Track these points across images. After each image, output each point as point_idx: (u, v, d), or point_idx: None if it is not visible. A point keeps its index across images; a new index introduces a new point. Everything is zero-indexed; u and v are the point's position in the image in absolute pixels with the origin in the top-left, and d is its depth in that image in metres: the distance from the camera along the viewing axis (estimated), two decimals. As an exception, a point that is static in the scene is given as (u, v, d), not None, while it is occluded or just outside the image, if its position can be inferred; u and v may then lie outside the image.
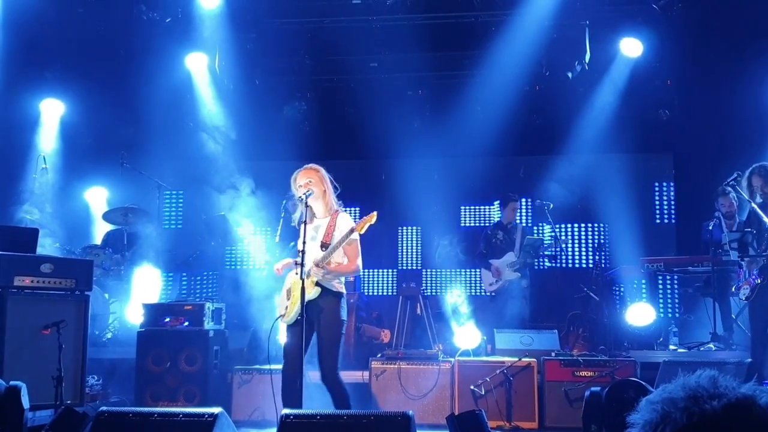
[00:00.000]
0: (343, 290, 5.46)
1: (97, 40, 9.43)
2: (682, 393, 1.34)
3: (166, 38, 9.50)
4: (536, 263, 9.84)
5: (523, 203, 10.84)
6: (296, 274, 5.07)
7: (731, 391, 1.33)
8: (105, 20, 9.29)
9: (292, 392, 5.11)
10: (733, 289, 7.09)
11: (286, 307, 5.36)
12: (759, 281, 6.51)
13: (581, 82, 9.97)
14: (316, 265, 5.26)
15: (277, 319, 5.36)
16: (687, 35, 9.33)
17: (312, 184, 5.36)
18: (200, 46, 9.85)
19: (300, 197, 5.25)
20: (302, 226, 5.15)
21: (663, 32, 9.39)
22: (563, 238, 9.48)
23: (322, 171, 5.50)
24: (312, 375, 5.46)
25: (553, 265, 10.05)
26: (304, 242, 5.02)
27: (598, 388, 5.07)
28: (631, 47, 9.62)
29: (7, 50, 8.90)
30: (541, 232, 10.45)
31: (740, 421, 1.29)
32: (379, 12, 9.59)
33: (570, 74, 9.83)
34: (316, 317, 5.24)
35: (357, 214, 11.07)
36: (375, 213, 5.43)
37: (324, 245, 5.33)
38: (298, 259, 5.09)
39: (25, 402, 4.67)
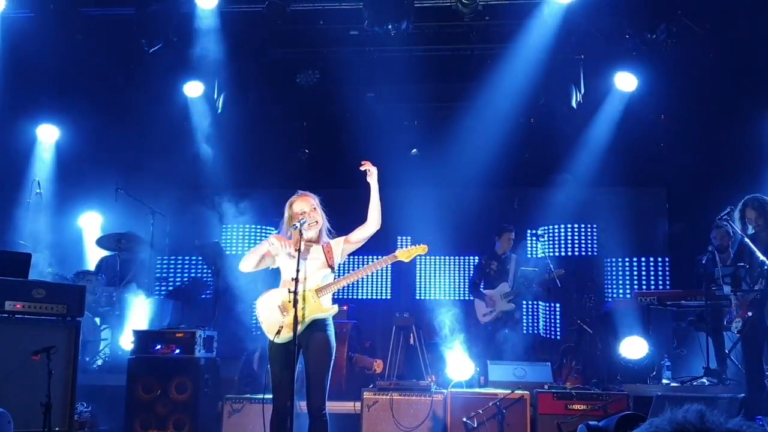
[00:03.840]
0: (336, 310, 5.40)
1: (93, 66, 9.48)
2: (668, 427, 1.33)
3: (164, 66, 9.55)
4: (529, 297, 9.84)
5: (519, 234, 10.86)
6: (290, 301, 4.98)
7: (718, 426, 1.32)
8: (102, 47, 9.34)
9: (282, 424, 5.05)
10: (725, 323, 7.07)
11: (281, 324, 5.14)
12: (750, 314, 6.50)
13: (576, 114, 10.03)
14: (318, 289, 5.22)
15: (271, 343, 5.20)
16: (681, 70, 9.41)
17: (314, 212, 5.36)
18: (197, 74, 9.89)
19: (295, 224, 5.21)
20: (297, 254, 5.09)
21: (657, 67, 9.46)
22: (559, 270, 9.45)
23: (317, 200, 5.49)
24: (302, 405, 5.38)
25: (547, 297, 10.02)
26: (297, 270, 4.97)
27: (595, 423, 5.01)
28: (626, 81, 9.69)
29: (4, 75, 8.94)
30: (535, 264, 10.43)
31: None
32: (377, 43, 9.66)
33: (573, 103, 9.88)
34: (306, 344, 5.16)
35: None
36: (426, 246, 5.49)
37: (330, 267, 5.32)
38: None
39: (6, 429, 4.61)
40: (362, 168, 5.50)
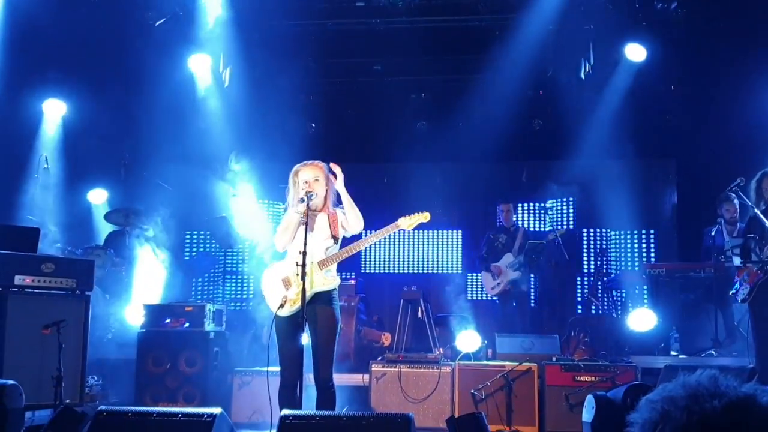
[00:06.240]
0: (338, 282, 5.37)
1: (100, 40, 9.43)
2: (682, 392, 1.32)
3: (169, 39, 9.51)
4: (538, 267, 9.83)
5: (527, 207, 10.86)
6: (297, 274, 4.98)
7: (732, 390, 1.31)
8: (108, 21, 9.29)
9: (291, 395, 5.07)
10: (731, 293, 7.05)
11: (284, 297, 5.17)
12: (762, 278, 6.47)
13: (585, 86, 9.96)
14: (321, 262, 5.21)
15: (275, 317, 5.21)
16: (691, 41, 9.32)
17: (317, 184, 5.31)
18: (203, 48, 9.85)
19: (302, 198, 5.18)
20: (300, 227, 5.08)
21: (667, 37, 9.37)
22: (561, 230, 9.40)
23: (326, 169, 5.43)
24: (310, 377, 5.39)
25: (556, 269, 10.01)
26: (305, 243, 4.96)
27: (603, 393, 5.02)
28: (635, 52, 9.60)
29: (10, 50, 8.91)
30: (543, 236, 10.41)
31: (741, 420, 1.28)
32: (383, 15, 9.58)
33: (582, 74, 9.80)
34: (312, 317, 5.17)
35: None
36: (428, 213, 5.39)
37: (334, 238, 5.31)
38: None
39: (15, 402, 4.64)
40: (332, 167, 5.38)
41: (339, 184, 5.31)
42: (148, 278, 8.91)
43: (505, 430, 6.98)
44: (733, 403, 1.30)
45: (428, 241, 11.22)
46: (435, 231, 11.09)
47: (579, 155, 9.85)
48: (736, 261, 6.93)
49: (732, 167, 7.89)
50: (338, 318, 5.24)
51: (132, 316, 8.31)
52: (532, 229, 10.64)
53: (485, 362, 7.58)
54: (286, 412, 4.25)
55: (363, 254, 10.83)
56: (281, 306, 5.12)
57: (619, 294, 9.34)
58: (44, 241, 7.67)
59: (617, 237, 10.64)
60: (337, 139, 10.52)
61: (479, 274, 9.99)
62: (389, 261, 11.20)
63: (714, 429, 1.28)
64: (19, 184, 9.42)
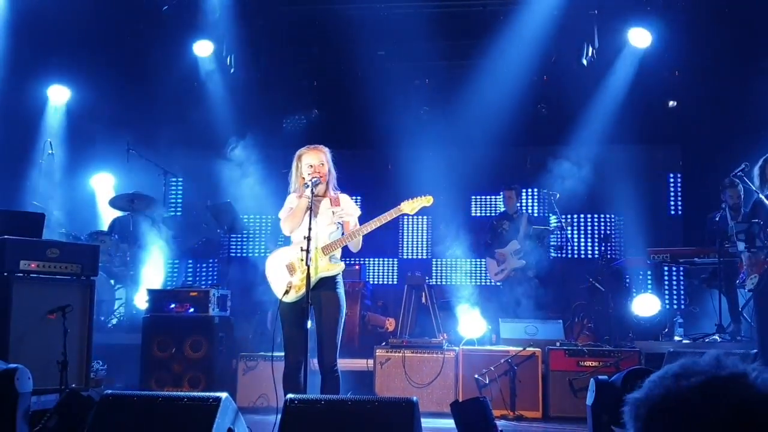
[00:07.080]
0: (343, 267, 5.36)
1: (104, 26, 9.42)
2: (681, 371, 1.32)
3: (174, 25, 9.49)
4: (542, 254, 9.82)
5: (530, 193, 10.83)
6: (301, 260, 4.99)
7: (732, 367, 1.30)
8: (113, 6, 9.27)
9: (295, 380, 5.09)
10: (738, 282, 7.03)
11: (289, 284, 5.18)
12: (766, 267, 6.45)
13: (589, 72, 9.92)
14: (325, 247, 5.21)
15: (280, 302, 5.22)
16: (695, 25, 9.27)
17: (323, 168, 5.31)
18: (207, 34, 9.83)
19: (306, 183, 5.18)
20: (307, 212, 5.08)
21: (671, 22, 9.33)
22: (568, 229, 9.43)
23: (329, 153, 5.42)
24: (314, 363, 5.41)
25: (559, 255, 10.02)
26: (310, 228, 4.96)
27: (605, 377, 5.03)
28: (640, 37, 9.56)
29: (15, 36, 8.90)
30: (547, 222, 10.41)
31: (710, 399, 1.26)
32: (387, 0, 9.54)
33: (584, 60, 9.75)
34: (317, 302, 5.17)
35: (361, 204, 11.07)
36: (431, 197, 5.37)
37: (337, 223, 5.31)
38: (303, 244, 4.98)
39: (25, 386, 4.66)
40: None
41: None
42: (156, 263, 8.94)
43: (509, 415, 7.01)
44: (709, 382, 1.28)
45: (433, 227, 11.20)
46: (439, 217, 11.07)
47: (583, 141, 9.83)
48: (740, 246, 6.91)
49: (737, 153, 7.85)
50: (343, 303, 5.25)
51: (137, 301, 8.34)
52: (535, 215, 10.63)
53: (489, 347, 7.61)
54: (291, 396, 4.26)
55: (370, 240, 10.81)
56: (286, 292, 5.13)
57: (623, 279, 9.34)
58: (48, 226, 7.67)
59: (622, 222, 10.62)
60: (340, 124, 10.50)
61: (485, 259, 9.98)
62: (395, 246, 11.18)
63: (684, 407, 1.27)
64: (24, 169, 9.43)
